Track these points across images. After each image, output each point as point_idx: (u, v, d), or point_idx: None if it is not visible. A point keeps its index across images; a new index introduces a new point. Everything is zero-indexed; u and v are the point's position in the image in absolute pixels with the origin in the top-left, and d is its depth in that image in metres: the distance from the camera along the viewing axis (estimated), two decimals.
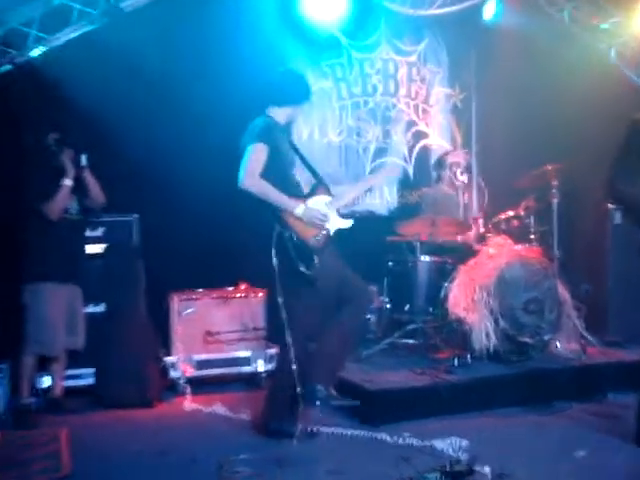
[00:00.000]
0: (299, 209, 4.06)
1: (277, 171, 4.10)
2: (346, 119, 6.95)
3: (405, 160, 7.13)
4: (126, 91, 5.54)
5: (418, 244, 5.74)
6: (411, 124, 7.22)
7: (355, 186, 4.76)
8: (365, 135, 6.99)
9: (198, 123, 5.81)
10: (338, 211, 4.35)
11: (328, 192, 4.33)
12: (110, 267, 5.32)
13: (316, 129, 6.80)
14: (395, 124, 7.10)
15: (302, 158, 4.40)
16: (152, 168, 5.59)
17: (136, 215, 5.58)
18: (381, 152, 7.05)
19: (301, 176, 4.46)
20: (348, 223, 4.35)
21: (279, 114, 4.27)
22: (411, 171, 7.12)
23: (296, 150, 4.38)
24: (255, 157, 4.00)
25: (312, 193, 4.27)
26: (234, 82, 5.75)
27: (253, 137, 4.07)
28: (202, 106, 5.76)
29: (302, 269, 3.94)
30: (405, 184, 7.04)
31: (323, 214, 4.13)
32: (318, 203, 4.21)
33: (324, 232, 4.15)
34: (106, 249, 5.41)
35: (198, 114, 5.78)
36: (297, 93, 4.29)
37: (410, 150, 7.17)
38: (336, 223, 4.28)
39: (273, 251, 3.94)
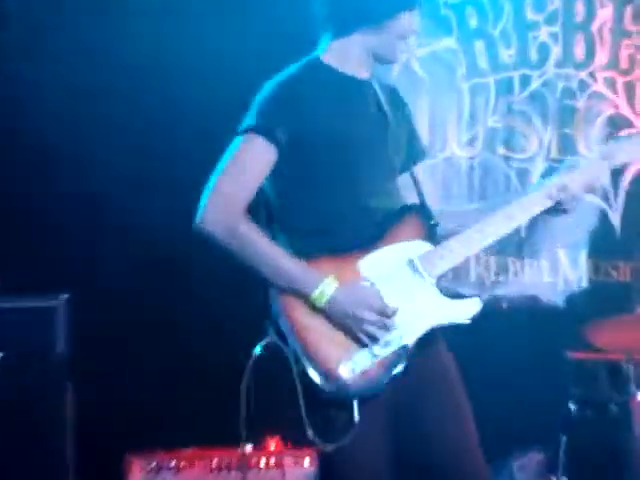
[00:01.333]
0: (323, 288, 3.35)
1: (321, 190, 3.53)
2: (485, 114, 6.92)
3: (605, 198, 6.99)
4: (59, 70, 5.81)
5: (631, 368, 5.62)
6: (618, 123, 7.05)
7: (501, 212, 3.90)
8: (522, 145, 6.96)
9: (182, 128, 6.14)
10: (442, 280, 3.52)
11: (429, 229, 3.56)
12: (8, 403, 5.32)
13: (426, 134, 6.60)
14: (585, 124, 6.98)
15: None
16: (96, 214, 5.91)
17: (63, 296, 5.67)
18: None
19: None
20: (469, 311, 3.55)
21: (344, 51, 3.67)
22: (617, 220, 7.03)
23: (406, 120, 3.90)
24: (236, 167, 3.53)
25: (383, 233, 3.52)
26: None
27: (248, 117, 3.58)
28: (182, 94, 6.07)
29: (310, 436, 3.39)
30: (604, 245, 6.98)
31: (381, 308, 3.43)
32: (387, 264, 3.47)
33: (387, 347, 3.47)
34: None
35: (177, 111, 6.09)
36: None
37: (616, 177, 6.91)
38: (424, 318, 3.52)
39: (249, 381, 3.44)
